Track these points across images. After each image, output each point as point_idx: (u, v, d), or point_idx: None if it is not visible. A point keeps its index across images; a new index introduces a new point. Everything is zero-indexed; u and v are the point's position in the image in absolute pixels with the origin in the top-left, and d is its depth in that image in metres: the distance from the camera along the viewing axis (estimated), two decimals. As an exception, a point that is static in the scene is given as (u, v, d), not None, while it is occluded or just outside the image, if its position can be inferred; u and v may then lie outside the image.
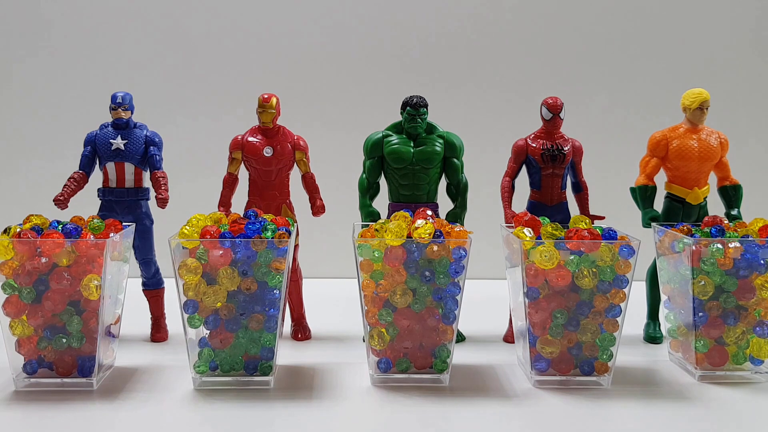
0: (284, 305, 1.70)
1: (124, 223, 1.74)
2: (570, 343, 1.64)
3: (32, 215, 1.66)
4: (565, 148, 1.96)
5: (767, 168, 2.85)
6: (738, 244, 1.66)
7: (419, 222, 1.59)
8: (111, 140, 1.94)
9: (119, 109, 1.94)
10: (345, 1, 2.82)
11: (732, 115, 2.75)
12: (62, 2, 2.79)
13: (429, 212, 1.67)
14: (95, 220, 1.65)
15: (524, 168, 2.01)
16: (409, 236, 1.59)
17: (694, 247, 1.66)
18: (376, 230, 1.60)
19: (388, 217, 1.91)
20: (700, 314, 1.69)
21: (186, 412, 1.52)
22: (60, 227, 1.60)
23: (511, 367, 1.79)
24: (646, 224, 1.97)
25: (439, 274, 1.59)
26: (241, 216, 1.69)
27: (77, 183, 1.94)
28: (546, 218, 1.74)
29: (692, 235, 1.71)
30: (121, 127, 1.96)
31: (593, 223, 1.75)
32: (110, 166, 1.94)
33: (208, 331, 1.62)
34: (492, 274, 2.47)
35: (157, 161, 1.96)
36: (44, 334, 1.59)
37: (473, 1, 2.83)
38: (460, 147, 1.99)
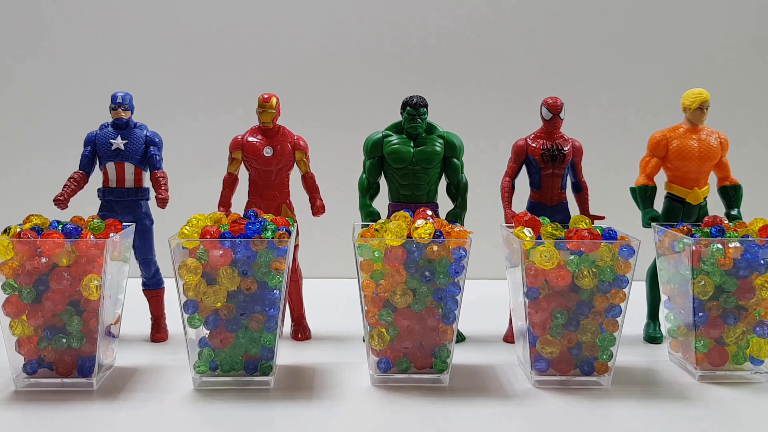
0: (284, 305, 1.70)
1: (124, 223, 1.74)
2: (570, 343, 1.64)
3: (32, 215, 1.66)
4: (565, 148, 1.96)
5: (767, 168, 2.85)
6: (738, 244, 1.66)
7: (419, 222, 1.59)
8: (111, 140, 1.94)
9: (119, 109, 1.94)
10: (345, 1, 2.82)
11: (732, 115, 2.75)
12: (62, 2, 2.79)
13: (429, 212, 1.67)
14: (95, 220, 1.65)
15: (524, 168, 2.01)
16: (409, 236, 1.59)
17: (694, 247, 1.66)
18: (376, 230, 1.60)
19: (388, 217, 1.91)
20: (700, 314, 1.69)
21: (186, 412, 1.52)
22: (60, 227, 1.60)
23: (511, 367, 1.79)
24: (646, 224, 1.97)
25: (439, 274, 1.59)
26: (241, 216, 1.69)
27: (77, 183, 1.94)
28: (546, 218, 1.74)
29: (692, 235, 1.71)
30: (121, 127, 1.96)
31: (593, 223, 1.75)
32: (110, 166, 1.94)
33: (208, 331, 1.62)
34: (492, 274, 2.47)
35: (157, 161, 1.96)
36: (44, 334, 1.59)
37: (473, 1, 2.83)
38: (460, 147, 1.99)
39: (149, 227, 1.98)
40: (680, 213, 1.99)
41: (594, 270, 1.59)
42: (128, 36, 2.81)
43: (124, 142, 1.94)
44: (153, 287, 2.02)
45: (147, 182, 1.99)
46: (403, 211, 1.66)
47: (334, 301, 2.44)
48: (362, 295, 1.63)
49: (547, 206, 1.98)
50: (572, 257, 1.59)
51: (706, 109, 1.97)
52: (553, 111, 1.96)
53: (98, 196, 1.96)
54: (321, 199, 2.02)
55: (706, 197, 2.01)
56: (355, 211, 2.00)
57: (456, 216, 1.97)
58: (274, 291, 1.60)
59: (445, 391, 1.63)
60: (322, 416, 1.49)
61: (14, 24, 2.79)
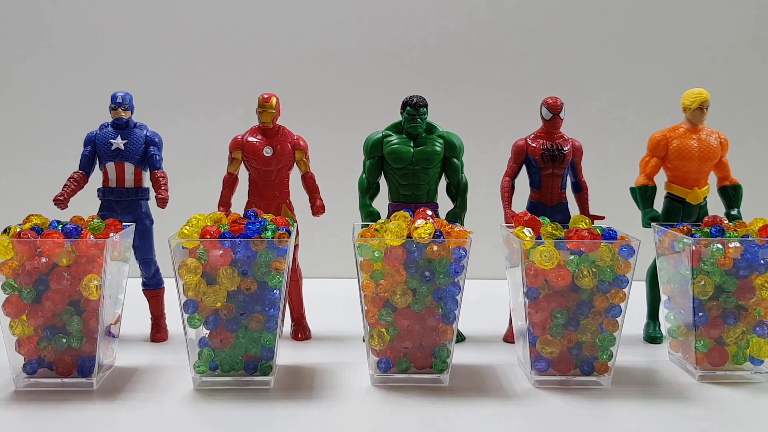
0: (284, 305, 1.70)
1: (124, 223, 1.74)
2: (570, 343, 1.64)
3: (32, 215, 1.66)
4: (565, 148, 1.96)
5: (767, 168, 2.85)
6: (738, 244, 1.66)
7: (419, 222, 1.59)
8: (111, 140, 1.94)
9: (119, 109, 1.94)
10: (345, 1, 2.82)
11: (732, 115, 2.75)
12: (62, 2, 2.79)
13: (429, 212, 1.67)
14: (95, 220, 1.65)
15: (524, 168, 2.01)
16: (409, 236, 1.59)
17: (694, 247, 1.66)
18: (376, 230, 1.60)
19: (388, 217, 1.91)
20: (700, 314, 1.69)
21: (186, 412, 1.52)
22: (60, 227, 1.60)
23: (511, 367, 1.79)
24: (646, 224, 1.97)
25: (439, 274, 1.59)
26: (241, 216, 1.69)
27: (77, 183, 1.94)
28: (546, 218, 1.74)
29: (692, 235, 1.71)
30: (121, 127, 1.96)
31: (593, 223, 1.75)
32: (110, 166, 1.94)
33: (208, 331, 1.62)
34: (492, 274, 2.46)
35: (157, 161, 1.96)
36: (44, 334, 1.59)
37: (473, 1, 2.83)
38: (460, 147, 1.99)
39: (149, 227, 1.98)
40: (680, 213, 1.99)
41: (594, 270, 1.59)
42: (128, 36, 2.81)
43: (124, 142, 1.94)
44: (153, 287, 2.02)
45: (147, 182, 1.99)
46: (403, 211, 1.66)
47: (334, 301, 2.44)
48: (362, 295, 1.63)
49: (547, 206, 1.98)
50: (572, 257, 1.59)
51: (706, 109, 1.97)
52: (553, 111, 1.96)
53: (98, 196, 1.96)
54: (321, 199, 2.02)
55: (706, 197, 2.01)
56: (355, 211, 2.00)
57: (456, 216, 1.97)
58: (274, 291, 1.60)
59: (445, 391, 1.63)
60: (322, 416, 1.49)
61: (14, 24, 2.79)
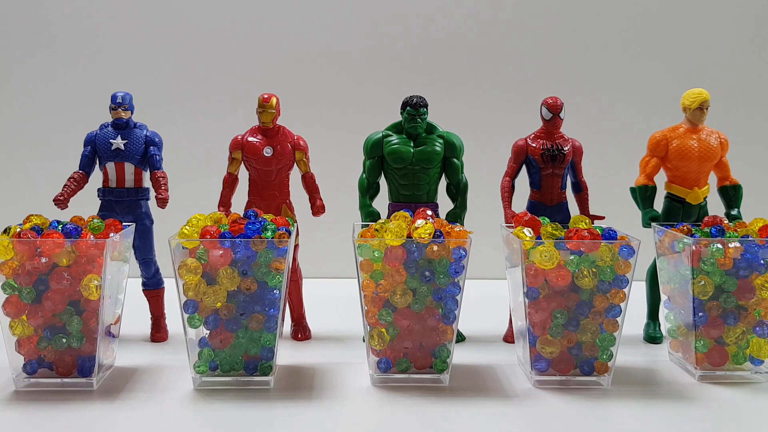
0: (284, 305, 1.70)
1: (124, 223, 1.74)
2: (570, 343, 1.64)
3: (32, 215, 1.66)
4: (565, 148, 1.96)
5: (767, 168, 2.85)
6: (738, 244, 1.66)
7: (419, 222, 1.59)
8: (111, 140, 1.94)
9: (119, 109, 1.94)
10: (345, 1, 2.82)
11: (732, 115, 2.75)
12: (62, 2, 2.79)
13: (429, 212, 1.67)
14: (95, 220, 1.65)
15: (524, 168, 2.01)
16: (409, 236, 1.59)
17: (694, 247, 1.66)
18: (376, 230, 1.60)
19: (388, 217, 1.91)
20: (700, 314, 1.69)
21: (186, 412, 1.52)
22: (60, 227, 1.60)
23: (511, 367, 1.79)
24: (646, 224, 1.97)
25: (439, 274, 1.59)
26: (241, 216, 1.69)
27: (77, 183, 1.94)
28: (546, 218, 1.74)
29: (692, 235, 1.71)
30: (121, 127, 1.96)
31: (593, 223, 1.75)
32: (110, 166, 1.94)
33: (208, 331, 1.62)
34: (492, 274, 2.47)
35: (157, 161, 1.96)
36: (44, 334, 1.59)
37: (473, 1, 2.83)
38: (460, 147, 1.99)
39: (149, 227, 1.98)
40: (680, 213, 1.99)
41: (594, 270, 1.59)
42: (128, 36, 2.81)
43: (124, 142, 1.94)
44: (153, 287, 2.02)
45: (147, 182, 1.99)
46: (403, 211, 1.66)
47: (334, 301, 2.44)
48: (362, 295, 1.63)
49: (547, 206, 1.98)
50: (572, 257, 1.59)
51: (706, 109, 1.97)
52: (553, 111, 1.96)
53: (98, 196, 1.96)
54: (321, 199, 2.02)
55: (706, 197, 2.01)
56: (355, 211, 2.00)
57: (456, 216, 1.97)
58: (274, 291, 1.60)
59: (445, 391, 1.63)
60: (322, 416, 1.49)
61: (14, 24, 2.79)
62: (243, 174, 2.02)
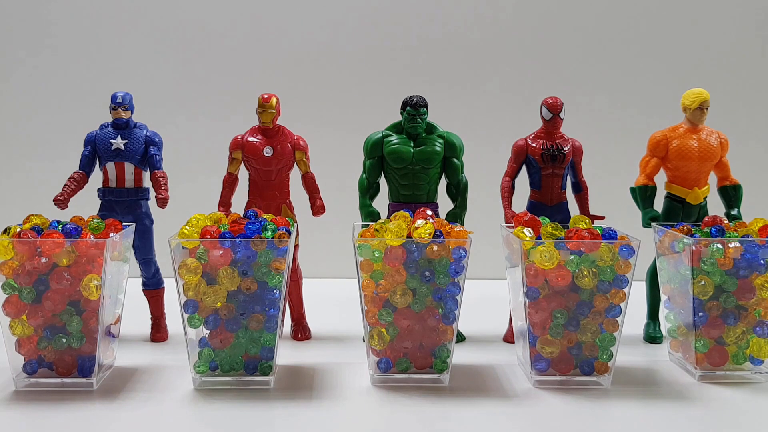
0: (284, 305, 1.70)
1: (124, 223, 1.74)
2: (570, 343, 1.64)
3: (32, 215, 1.66)
4: (565, 148, 1.96)
5: (767, 168, 2.85)
6: (738, 244, 1.66)
7: (419, 222, 1.59)
8: (111, 140, 1.94)
9: (119, 109, 1.95)
10: (345, 1, 2.82)
11: (732, 115, 2.75)
12: (62, 2, 2.79)
13: (429, 212, 1.67)
14: (95, 220, 1.65)
15: (524, 168, 2.01)
16: (409, 236, 1.59)
17: (694, 247, 1.66)
18: (376, 230, 1.60)
19: (388, 217, 1.91)
20: (700, 314, 1.69)
21: (186, 412, 1.52)
22: (60, 227, 1.60)
23: (511, 367, 1.79)
24: (646, 224, 1.97)
25: (439, 274, 1.59)
26: (241, 216, 1.69)
27: (77, 183, 1.94)
28: (546, 218, 1.74)
29: (692, 235, 1.71)
30: (121, 127, 1.96)
31: (593, 223, 1.75)
32: (110, 166, 1.94)
33: (208, 331, 1.62)
34: (492, 274, 2.46)
35: (157, 161, 1.96)
36: (44, 334, 1.59)
37: (473, 1, 2.83)
38: (460, 147, 1.99)
39: (149, 227, 1.98)
40: (680, 213, 1.99)
41: (594, 270, 1.59)
42: (128, 36, 2.81)
43: (124, 142, 1.94)
44: (153, 287, 2.02)
45: (147, 182, 1.99)
46: (403, 211, 1.66)
47: (334, 301, 2.44)
48: (362, 295, 1.63)
49: (547, 206, 1.98)
50: (572, 257, 1.59)
51: (706, 109, 1.97)
52: (553, 111, 1.96)
53: (98, 196, 1.96)
54: (321, 199, 2.02)
55: (706, 197, 2.01)
56: (355, 211, 2.00)
57: (456, 216, 1.97)
58: (274, 291, 1.60)
59: (445, 391, 1.63)
60: (322, 416, 1.49)
61: (14, 24, 2.79)
62: (243, 174, 2.02)
